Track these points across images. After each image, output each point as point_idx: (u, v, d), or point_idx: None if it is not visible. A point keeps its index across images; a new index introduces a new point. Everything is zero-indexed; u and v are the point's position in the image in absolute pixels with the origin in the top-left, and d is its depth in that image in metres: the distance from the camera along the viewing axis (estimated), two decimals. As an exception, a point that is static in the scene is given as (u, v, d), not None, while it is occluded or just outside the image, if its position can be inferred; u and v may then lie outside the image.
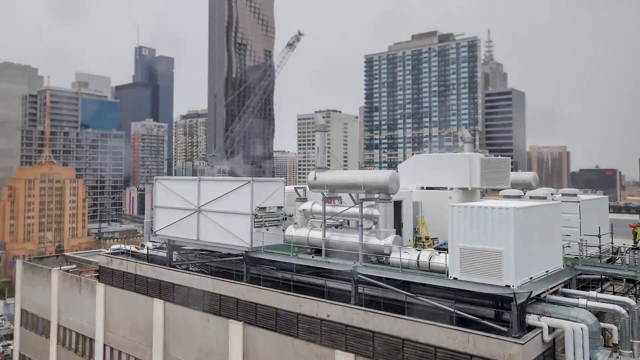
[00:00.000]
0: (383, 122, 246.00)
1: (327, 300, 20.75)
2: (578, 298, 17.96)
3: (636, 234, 24.67)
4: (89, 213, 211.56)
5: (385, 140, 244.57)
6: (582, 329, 16.24)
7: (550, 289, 18.05)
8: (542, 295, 17.58)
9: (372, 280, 19.94)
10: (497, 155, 30.97)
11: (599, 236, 22.34)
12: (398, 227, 23.84)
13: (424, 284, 19.05)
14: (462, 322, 17.46)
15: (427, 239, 26.08)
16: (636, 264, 19.83)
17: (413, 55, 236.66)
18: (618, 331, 17.83)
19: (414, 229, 26.49)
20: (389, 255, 20.41)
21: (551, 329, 16.69)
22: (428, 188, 28.33)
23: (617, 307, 17.27)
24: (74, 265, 42.29)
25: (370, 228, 21.97)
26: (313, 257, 22.48)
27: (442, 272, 18.28)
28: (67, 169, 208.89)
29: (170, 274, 28.19)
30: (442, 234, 25.03)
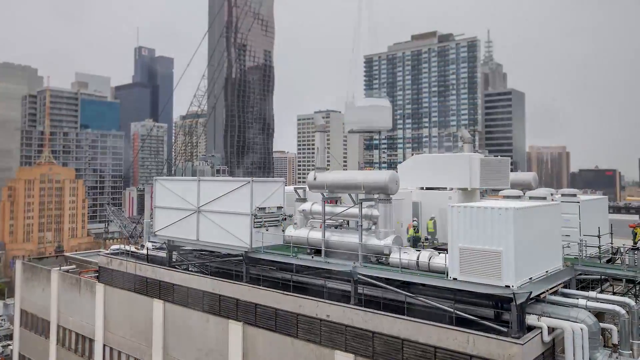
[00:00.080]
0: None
1: (326, 301, 20.75)
2: (578, 298, 17.97)
3: (636, 234, 24.63)
4: (88, 213, 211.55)
5: (385, 141, 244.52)
6: (581, 329, 16.25)
7: (550, 289, 18.06)
8: (542, 296, 17.59)
9: (372, 281, 19.94)
10: (497, 156, 30.97)
11: (599, 236, 22.36)
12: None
13: (423, 284, 19.06)
14: (462, 323, 17.46)
15: (426, 239, 26.08)
16: (636, 264, 19.85)
17: (413, 56, 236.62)
18: (618, 331, 17.83)
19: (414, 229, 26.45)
20: (389, 255, 20.41)
21: (551, 329, 16.69)
22: (428, 188, 28.33)
23: (617, 308, 17.28)
24: (73, 266, 42.27)
25: (370, 228, 21.98)
26: (313, 257, 22.48)
27: (442, 273, 18.28)
28: (66, 169, 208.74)
29: (170, 274, 28.19)
30: (442, 235, 25.05)
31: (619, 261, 22.42)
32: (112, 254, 34.00)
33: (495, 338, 15.93)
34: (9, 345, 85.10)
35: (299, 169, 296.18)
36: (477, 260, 16.83)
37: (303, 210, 24.56)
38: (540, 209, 18.73)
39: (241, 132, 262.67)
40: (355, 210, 21.79)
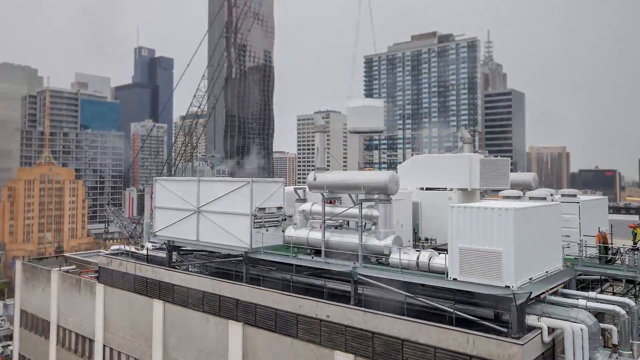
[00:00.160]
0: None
1: (326, 301, 20.75)
2: (578, 299, 17.98)
3: (636, 234, 24.61)
4: (88, 214, 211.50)
5: (385, 141, 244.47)
6: (581, 329, 16.26)
7: (550, 289, 18.07)
8: (542, 296, 17.60)
9: (372, 281, 19.94)
10: (497, 156, 31.00)
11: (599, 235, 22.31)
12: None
13: (423, 285, 19.06)
14: (462, 323, 17.46)
15: (426, 239, 26.09)
16: (636, 264, 19.84)
17: (413, 56, 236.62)
18: (618, 332, 17.83)
19: (414, 230, 26.48)
20: (389, 255, 20.41)
21: (551, 330, 16.70)
22: (428, 189, 28.33)
23: (617, 308, 17.30)
24: (73, 266, 42.28)
25: (370, 229, 21.98)
26: (312, 257, 22.49)
27: (442, 273, 18.28)
28: (66, 170, 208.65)
29: (170, 274, 28.18)
30: (442, 235, 25.03)
31: (618, 262, 22.42)
32: (112, 254, 34.02)
33: (495, 338, 15.94)
34: (9, 345, 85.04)
35: (299, 170, 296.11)
36: (477, 261, 16.83)
37: (303, 210, 24.56)
38: (540, 210, 18.73)
39: (241, 133, 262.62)
40: (355, 211, 21.79)
